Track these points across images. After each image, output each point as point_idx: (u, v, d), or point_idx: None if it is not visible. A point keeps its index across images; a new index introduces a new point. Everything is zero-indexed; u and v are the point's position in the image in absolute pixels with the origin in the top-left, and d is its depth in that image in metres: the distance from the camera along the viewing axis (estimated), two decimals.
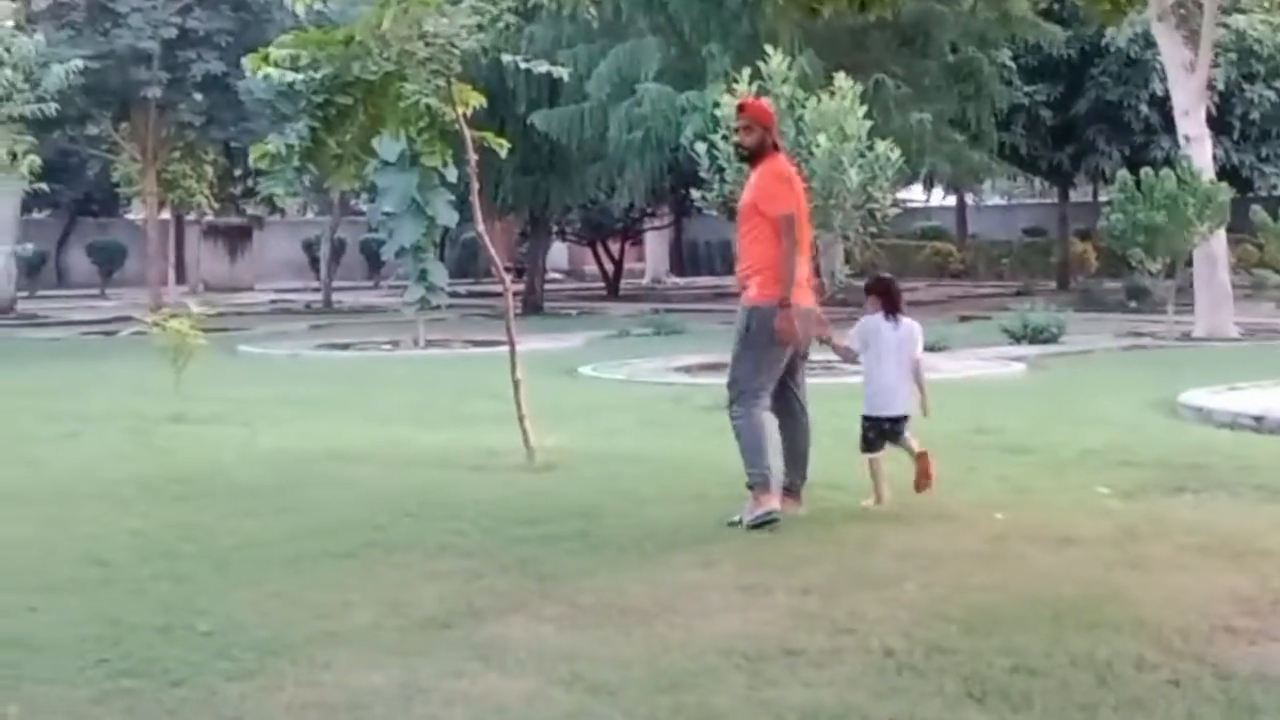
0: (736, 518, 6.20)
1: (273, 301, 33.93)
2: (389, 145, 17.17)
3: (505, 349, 9.57)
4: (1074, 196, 36.97)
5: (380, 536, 5.98)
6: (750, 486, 6.28)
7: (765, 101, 8.61)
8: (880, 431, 6.75)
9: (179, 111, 28.78)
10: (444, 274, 20.35)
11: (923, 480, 6.66)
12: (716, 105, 15.56)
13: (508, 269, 9.58)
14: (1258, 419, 9.94)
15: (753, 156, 6.75)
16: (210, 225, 41.08)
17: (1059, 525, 5.91)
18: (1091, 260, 36.29)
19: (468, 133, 8.27)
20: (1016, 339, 18.31)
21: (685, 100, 22.23)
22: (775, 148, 6.78)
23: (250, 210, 41.14)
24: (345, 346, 20.10)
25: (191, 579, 5.38)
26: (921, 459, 6.69)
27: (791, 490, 6.46)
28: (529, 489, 7.20)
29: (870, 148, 14.56)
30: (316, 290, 33.43)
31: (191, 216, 38.39)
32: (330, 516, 6.51)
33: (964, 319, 23.93)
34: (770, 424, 6.44)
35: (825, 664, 4.03)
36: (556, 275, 46.58)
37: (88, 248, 38.83)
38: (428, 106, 7.88)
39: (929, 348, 17.04)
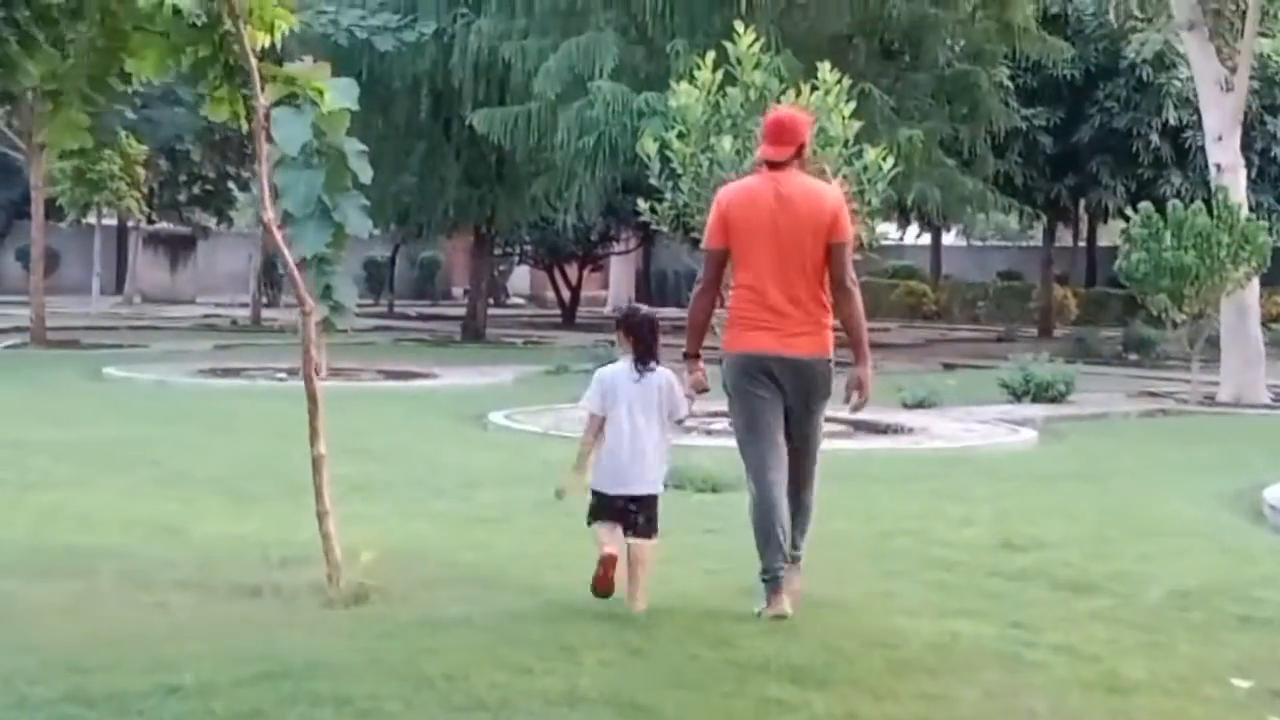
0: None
1: (205, 316, 32.35)
2: (290, 134, 14.37)
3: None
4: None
5: None
6: None
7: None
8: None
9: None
10: (354, 291, 17.39)
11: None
12: (674, 95, 12.64)
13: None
14: None
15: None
16: (151, 234, 39.70)
17: None
18: (1072, 307, 33.71)
19: (255, 65, 5.26)
20: (1017, 396, 15.47)
21: (644, 102, 19.18)
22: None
23: (198, 220, 38.72)
24: (235, 373, 17.21)
25: None
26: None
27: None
28: (286, 662, 4.10)
29: (859, 154, 11.54)
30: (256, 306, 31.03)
31: (131, 223, 36.36)
32: None
33: (948, 367, 21.09)
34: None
35: None
36: (519, 300, 44.19)
37: (18, 251, 36.13)
38: (175, 9, 4.83)
39: (916, 403, 14.38)
